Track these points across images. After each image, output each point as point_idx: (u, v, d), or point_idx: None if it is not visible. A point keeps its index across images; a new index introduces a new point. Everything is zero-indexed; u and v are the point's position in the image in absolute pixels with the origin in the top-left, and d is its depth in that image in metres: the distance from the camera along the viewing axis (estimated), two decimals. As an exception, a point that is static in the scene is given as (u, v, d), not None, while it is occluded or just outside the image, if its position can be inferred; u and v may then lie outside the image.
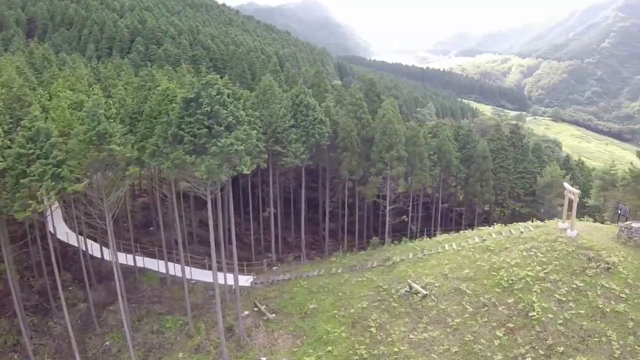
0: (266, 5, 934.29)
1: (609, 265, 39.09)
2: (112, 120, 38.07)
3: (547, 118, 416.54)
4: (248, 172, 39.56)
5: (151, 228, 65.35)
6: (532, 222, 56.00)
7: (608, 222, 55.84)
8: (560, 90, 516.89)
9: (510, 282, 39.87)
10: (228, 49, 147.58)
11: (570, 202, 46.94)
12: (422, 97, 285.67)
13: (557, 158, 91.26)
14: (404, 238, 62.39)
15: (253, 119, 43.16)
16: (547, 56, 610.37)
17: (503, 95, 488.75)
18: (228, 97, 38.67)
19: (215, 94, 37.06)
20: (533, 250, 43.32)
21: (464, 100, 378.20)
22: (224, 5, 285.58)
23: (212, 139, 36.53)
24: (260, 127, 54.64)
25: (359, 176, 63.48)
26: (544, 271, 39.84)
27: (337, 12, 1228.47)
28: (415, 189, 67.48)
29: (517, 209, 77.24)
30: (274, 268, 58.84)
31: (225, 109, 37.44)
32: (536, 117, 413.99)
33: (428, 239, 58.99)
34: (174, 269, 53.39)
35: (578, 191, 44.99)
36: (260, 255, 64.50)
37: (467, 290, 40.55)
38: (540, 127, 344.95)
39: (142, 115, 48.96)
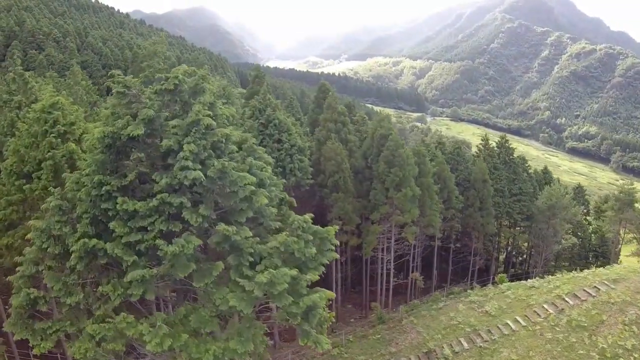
0: (152, 13, 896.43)
1: None
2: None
3: (446, 118, 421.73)
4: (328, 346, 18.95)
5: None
6: (594, 268, 43.40)
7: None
8: (454, 90, 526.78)
9: (639, 378, 26.40)
10: (124, 54, 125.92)
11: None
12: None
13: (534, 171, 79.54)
14: (413, 301, 46.66)
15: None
16: (438, 57, 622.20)
17: (400, 97, 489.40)
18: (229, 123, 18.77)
19: (207, 121, 16.46)
20: (643, 322, 30.22)
21: (366, 105, 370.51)
22: (113, 8, 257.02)
23: (210, 265, 16.04)
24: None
25: (354, 224, 45.42)
26: (675, 354, 27.18)
27: (226, 19, 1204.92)
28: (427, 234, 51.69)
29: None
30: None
31: (230, 165, 16.91)
32: (435, 117, 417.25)
33: (456, 303, 42.48)
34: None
35: None
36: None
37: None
38: (441, 127, 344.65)
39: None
